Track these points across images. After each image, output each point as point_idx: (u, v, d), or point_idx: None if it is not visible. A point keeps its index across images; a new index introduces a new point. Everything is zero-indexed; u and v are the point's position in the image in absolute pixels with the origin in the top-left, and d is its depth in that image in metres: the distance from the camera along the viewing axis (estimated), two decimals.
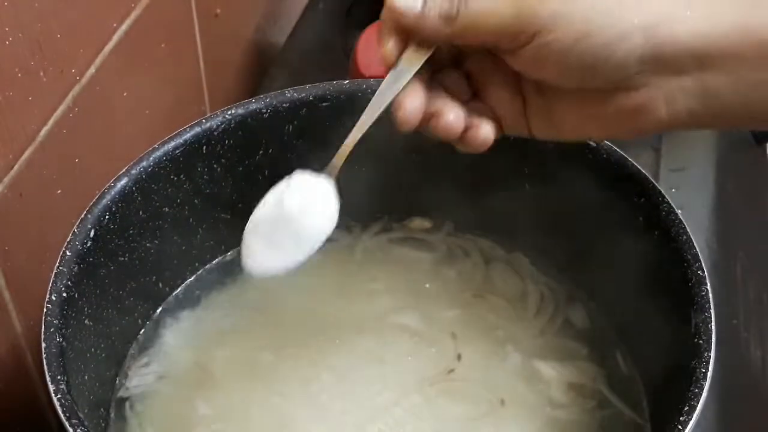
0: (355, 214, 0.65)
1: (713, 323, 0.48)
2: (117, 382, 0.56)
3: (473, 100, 0.49)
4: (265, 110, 0.58)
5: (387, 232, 0.65)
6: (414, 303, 0.61)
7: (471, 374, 0.57)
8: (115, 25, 0.65)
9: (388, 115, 0.59)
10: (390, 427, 0.54)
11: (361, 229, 0.65)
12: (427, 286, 0.62)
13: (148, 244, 0.57)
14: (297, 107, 0.59)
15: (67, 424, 0.44)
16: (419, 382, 0.56)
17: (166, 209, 0.57)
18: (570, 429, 0.55)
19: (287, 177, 0.49)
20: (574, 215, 0.59)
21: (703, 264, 0.50)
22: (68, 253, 0.50)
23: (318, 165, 0.61)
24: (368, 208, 0.65)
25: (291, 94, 0.58)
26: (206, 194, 0.59)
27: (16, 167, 0.57)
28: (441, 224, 0.65)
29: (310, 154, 0.61)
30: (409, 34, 0.46)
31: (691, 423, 0.45)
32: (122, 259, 0.55)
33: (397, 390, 0.56)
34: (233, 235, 0.62)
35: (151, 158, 0.55)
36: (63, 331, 0.48)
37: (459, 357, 0.57)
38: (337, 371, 0.57)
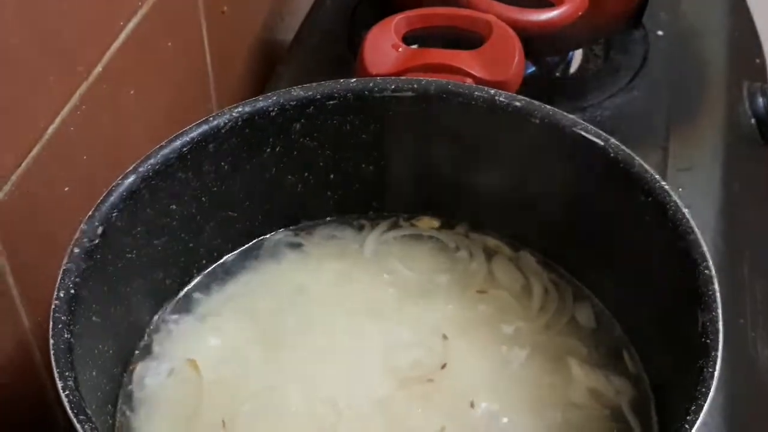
0: (364, 212, 0.65)
1: (720, 323, 0.48)
2: (125, 378, 0.56)
3: None
4: (272, 108, 0.58)
5: (395, 230, 0.65)
6: (419, 299, 0.61)
7: (467, 373, 0.57)
8: (122, 23, 0.65)
9: (397, 114, 0.60)
10: (390, 422, 0.55)
11: (370, 226, 0.65)
12: (433, 282, 0.62)
13: (155, 242, 0.57)
14: (304, 105, 0.59)
15: (75, 420, 0.44)
16: (407, 379, 0.56)
17: (174, 207, 0.57)
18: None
19: None
20: (580, 214, 0.59)
21: (710, 263, 0.50)
22: (76, 250, 0.50)
23: (324, 164, 0.62)
24: (377, 206, 0.65)
25: (298, 92, 0.58)
26: (213, 192, 0.59)
27: (23, 165, 0.57)
28: (449, 223, 0.65)
29: (317, 152, 0.61)
30: None
31: (698, 422, 0.45)
32: (130, 256, 0.55)
33: (395, 385, 0.56)
34: (241, 233, 0.63)
35: (159, 156, 0.55)
36: (71, 327, 0.48)
37: (447, 358, 0.57)
38: (339, 367, 0.57)
